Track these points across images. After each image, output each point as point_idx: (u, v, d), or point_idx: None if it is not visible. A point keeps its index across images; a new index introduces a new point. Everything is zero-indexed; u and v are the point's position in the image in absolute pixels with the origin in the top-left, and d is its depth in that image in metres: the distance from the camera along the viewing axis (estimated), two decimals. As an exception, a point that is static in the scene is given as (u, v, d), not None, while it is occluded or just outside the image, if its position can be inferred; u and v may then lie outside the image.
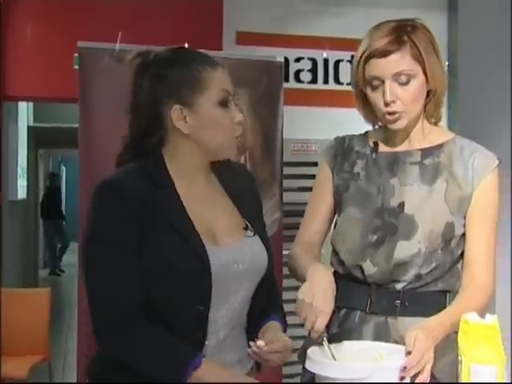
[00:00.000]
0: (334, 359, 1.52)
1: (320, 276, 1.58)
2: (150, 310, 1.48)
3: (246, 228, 1.63)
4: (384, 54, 1.64)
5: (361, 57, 1.69)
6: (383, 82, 1.66)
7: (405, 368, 1.44)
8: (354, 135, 1.85)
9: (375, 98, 1.69)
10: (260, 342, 1.50)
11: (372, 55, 1.66)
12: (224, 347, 1.57)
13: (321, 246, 1.85)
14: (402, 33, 1.66)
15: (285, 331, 1.64)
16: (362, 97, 1.75)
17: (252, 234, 1.62)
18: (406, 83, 1.66)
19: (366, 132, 1.85)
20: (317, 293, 1.54)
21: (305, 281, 1.58)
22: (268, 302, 1.66)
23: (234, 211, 1.64)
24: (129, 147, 1.61)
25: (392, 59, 1.65)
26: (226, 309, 1.56)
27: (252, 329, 1.63)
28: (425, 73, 1.67)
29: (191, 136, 1.55)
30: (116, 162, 1.63)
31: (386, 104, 1.67)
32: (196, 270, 1.49)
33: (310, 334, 1.55)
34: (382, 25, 1.69)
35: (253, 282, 1.61)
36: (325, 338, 1.54)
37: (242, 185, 1.71)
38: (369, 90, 1.70)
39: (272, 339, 1.53)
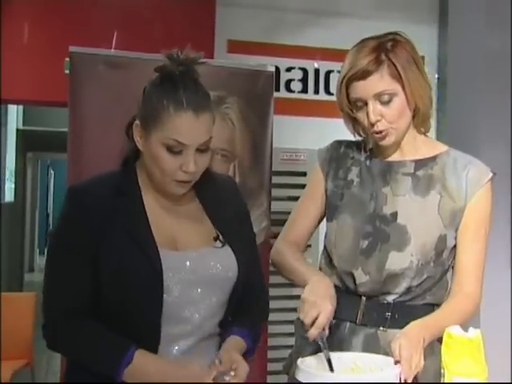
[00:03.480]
0: (330, 361, 1.54)
1: (325, 283, 1.66)
2: (108, 313, 1.51)
3: (216, 239, 1.61)
4: (363, 75, 1.66)
5: (342, 81, 1.71)
6: (366, 102, 1.68)
7: (404, 380, 1.46)
8: (351, 141, 1.86)
9: (361, 117, 1.72)
10: (219, 367, 1.47)
11: (352, 78, 1.68)
12: (195, 354, 1.55)
13: (305, 247, 1.88)
14: (381, 52, 1.67)
15: (249, 347, 1.60)
16: (350, 117, 1.76)
17: (221, 245, 1.60)
18: (389, 102, 1.68)
19: (363, 139, 1.85)
20: (321, 292, 1.60)
21: (303, 285, 1.64)
22: (236, 314, 1.63)
23: (205, 223, 1.63)
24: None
25: (372, 80, 1.66)
26: (189, 317, 1.54)
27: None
28: (404, 90, 1.68)
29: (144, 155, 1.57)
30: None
31: (372, 124, 1.69)
32: (148, 276, 1.49)
33: (307, 335, 1.56)
34: (362, 44, 1.70)
35: (220, 293, 1.59)
36: (323, 338, 1.55)
37: (222, 196, 1.68)
38: (354, 111, 1.72)
39: (231, 364, 1.49)
